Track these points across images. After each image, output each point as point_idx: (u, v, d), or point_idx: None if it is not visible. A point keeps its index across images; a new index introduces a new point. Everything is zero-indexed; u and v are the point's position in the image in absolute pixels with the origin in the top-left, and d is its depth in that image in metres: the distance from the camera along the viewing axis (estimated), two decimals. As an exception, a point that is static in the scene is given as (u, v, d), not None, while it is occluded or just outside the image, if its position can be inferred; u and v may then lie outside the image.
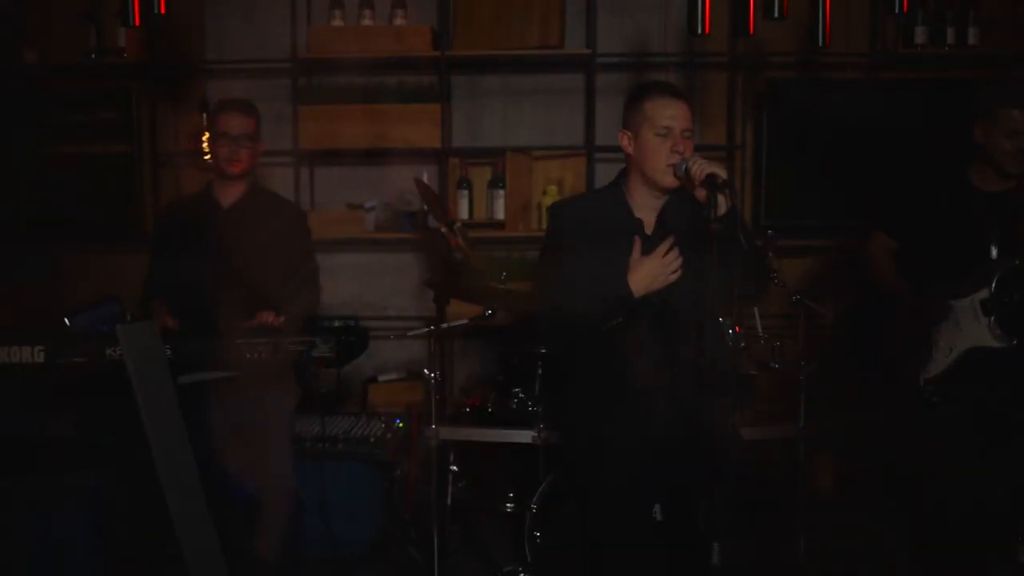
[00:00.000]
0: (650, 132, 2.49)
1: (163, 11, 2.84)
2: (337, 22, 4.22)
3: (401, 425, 3.85)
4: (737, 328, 3.20)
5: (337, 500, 3.45)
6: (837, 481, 3.98)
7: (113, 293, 3.02)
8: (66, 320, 2.74)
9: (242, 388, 2.84)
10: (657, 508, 2.56)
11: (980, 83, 3.92)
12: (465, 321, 3.50)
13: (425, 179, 3.71)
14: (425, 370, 3.34)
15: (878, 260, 3.13)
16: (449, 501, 3.45)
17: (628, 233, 2.53)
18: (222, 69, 4.36)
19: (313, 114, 4.24)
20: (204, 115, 4.12)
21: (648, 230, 2.56)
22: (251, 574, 2.99)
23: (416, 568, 3.41)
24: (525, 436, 3.31)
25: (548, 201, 4.20)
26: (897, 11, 3.04)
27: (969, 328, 2.90)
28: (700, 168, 2.35)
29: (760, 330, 3.47)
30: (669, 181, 2.49)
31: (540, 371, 3.43)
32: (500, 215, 4.24)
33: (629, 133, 2.56)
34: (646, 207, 2.58)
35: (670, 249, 2.47)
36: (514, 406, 3.46)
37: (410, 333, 3.61)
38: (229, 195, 3.14)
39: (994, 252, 2.91)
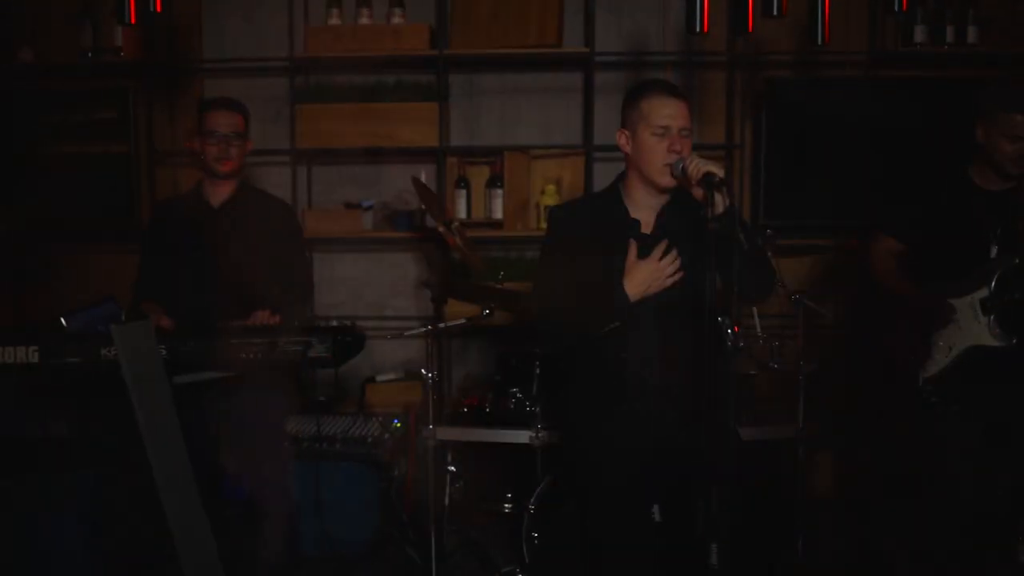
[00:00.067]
0: (647, 131, 2.47)
1: (159, 9, 2.84)
2: (335, 21, 4.21)
3: (399, 425, 3.85)
4: (736, 328, 3.18)
5: (335, 500, 3.43)
6: (836, 481, 3.98)
7: (110, 292, 3.02)
8: (62, 320, 2.74)
9: (238, 388, 2.84)
10: (656, 508, 2.55)
11: (981, 83, 3.90)
12: (463, 321, 3.48)
13: (423, 178, 3.70)
14: (423, 370, 3.33)
15: (880, 261, 3.12)
16: (447, 501, 3.44)
17: (625, 235, 2.51)
18: (219, 68, 4.36)
19: (311, 113, 4.24)
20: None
21: (647, 230, 2.54)
22: (249, 574, 2.98)
23: (414, 568, 3.39)
24: (523, 436, 3.30)
25: (546, 200, 4.19)
26: (896, 10, 3.02)
27: (969, 327, 2.89)
28: (697, 167, 2.34)
29: (759, 330, 3.47)
30: (666, 180, 2.47)
31: (538, 371, 3.43)
32: (498, 214, 4.23)
33: (627, 132, 2.55)
34: (645, 207, 2.56)
35: (667, 252, 2.46)
36: (512, 406, 3.45)
37: (407, 333, 3.60)
38: (219, 194, 3.13)
39: (994, 251, 2.90)
